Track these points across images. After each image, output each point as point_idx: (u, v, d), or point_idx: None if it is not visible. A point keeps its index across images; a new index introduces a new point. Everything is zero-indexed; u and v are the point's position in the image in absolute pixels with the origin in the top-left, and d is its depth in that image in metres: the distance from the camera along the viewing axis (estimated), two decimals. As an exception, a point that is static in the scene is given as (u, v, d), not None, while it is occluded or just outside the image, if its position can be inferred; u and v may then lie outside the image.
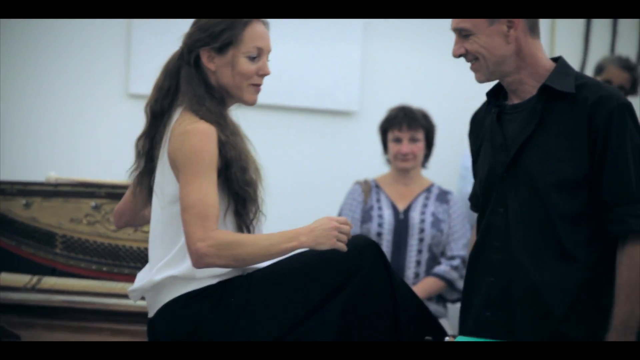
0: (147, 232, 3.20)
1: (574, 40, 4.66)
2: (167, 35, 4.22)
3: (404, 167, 3.81)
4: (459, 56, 2.23)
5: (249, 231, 2.20)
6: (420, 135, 3.81)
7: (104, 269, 3.19)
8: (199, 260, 2.09)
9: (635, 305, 2.06)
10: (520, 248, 2.16)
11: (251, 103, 2.30)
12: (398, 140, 3.82)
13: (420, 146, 3.82)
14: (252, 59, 2.26)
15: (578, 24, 4.66)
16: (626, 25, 4.68)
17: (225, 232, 2.14)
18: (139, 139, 2.29)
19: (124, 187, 3.21)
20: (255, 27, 2.27)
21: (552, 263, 2.12)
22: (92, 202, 3.23)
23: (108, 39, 4.33)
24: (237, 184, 2.18)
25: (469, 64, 2.24)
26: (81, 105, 4.32)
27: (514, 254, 2.17)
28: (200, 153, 2.12)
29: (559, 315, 2.11)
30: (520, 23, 2.16)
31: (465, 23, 2.19)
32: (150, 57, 4.34)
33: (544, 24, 4.54)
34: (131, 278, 3.18)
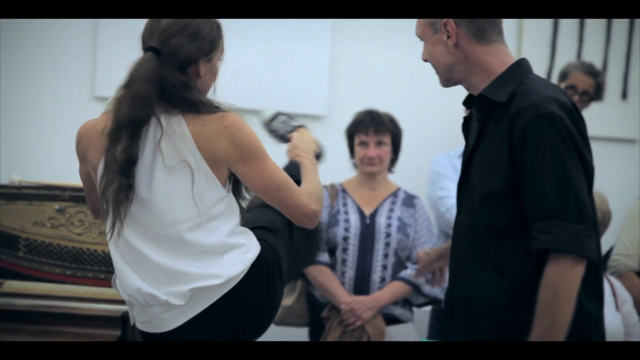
0: (112, 236, 3.23)
1: (540, 47, 4.70)
2: (134, 38, 4.25)
3: (370, 171, 3.81)
4: (425, 61, 2.25)
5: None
6: (387, 139, 3.81)
7: (68, 272, 3.16)
8: (317, 218, 2.31)
9: (548, 328, 1.99)
10: (462, 258, 2.17)
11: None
12: (364, 144, 3.82)
13: (386, 150, 3.82)
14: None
15: (545, 30, 4.70)
16: (592, 31, 4.74)
17: (305, 189, 2.31)
18: (116, 153, 2.15)
19: (89, 190, 3.20)
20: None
21: (485, 276, 2.09)
22: (56, 205, 3.20)
23: (74, 42, 4.31)
24: None
25: None
26: (46, 108, 4.29)
27: (458, 264, 2.18)
28: (256, 137, 2.21)
29: (488, 329, 2.08)
30: (459, 31, 2.15)
31: (417, 30, 2.22)
32: (117, 60, 4.34)
33: (510, 31, 4.63)
34: (95, 282, 3.17)
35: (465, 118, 2.26)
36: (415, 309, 3.81)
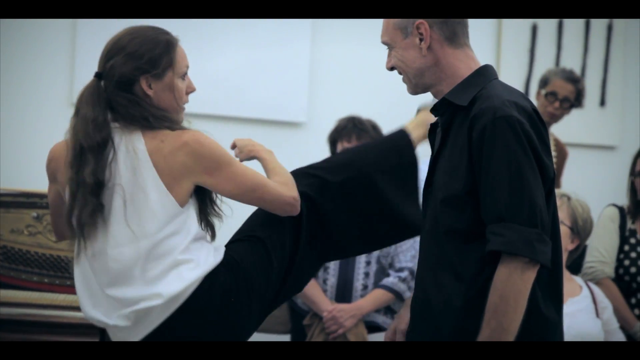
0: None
1: (519, 54, 4.73)
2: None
3: (352, 178, 3.80)
4: (391, 69, 2.22)
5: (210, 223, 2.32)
6: (369, 145, 3.81)
7: (45, 280, 3.13)
8: (298, 203, 2.32)
9: (494, 331, 1.97)
10: (423, 263, 2.15)
11: (180, 123, 2.29)
12: (347, 151, 3.81)
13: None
14: (183, 79, 2.27)
15: (523, 37, 4.72)
16: (571, 38, 4.77)
17: (277, 180, 2.32)
18: (85, 176, 2.15)
19: (67, 197, 3.17)
20: (180, 47, 2.29)
21: (444, 280, 2.07)
22: (34, 213, 3.17)
23: (52, 48, 4.28)
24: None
25: None
26: (24, 115, 4.25)
27: (420, 269, 2.17)
28: (218, 145, 2.22)
29: (444, 334, 2.06)
30: (432, 33, 2.12)
31: (385, 37, 2.19)
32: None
33: (489, 38, 4.66)
34: (73, 289, 3.13)
35: (432, 125, 2.25)
36: (397, 317, 3.80)
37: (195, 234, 2.20)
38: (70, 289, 3.14)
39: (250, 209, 2.41)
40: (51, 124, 4.25)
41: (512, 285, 1.98)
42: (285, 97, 4.45)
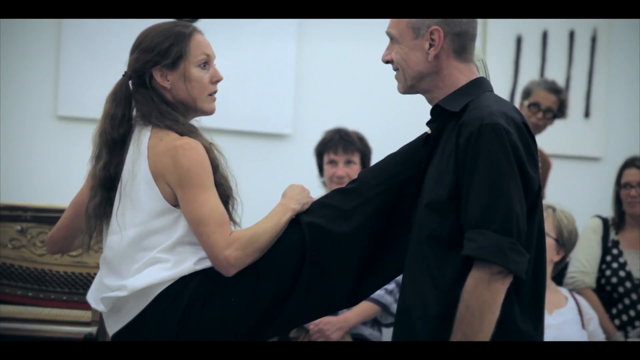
0: (75, 257, 3.18)
1: (504, 66, 4.75)
2: (97, 59, 4.26)
3: (338, 190, 3.80)
4: (386, 62, 2.20)
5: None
6: (356, 158, 3.82)
7: (30, 294, 3.11)
8: (230, 266, 2.15)
9: (472, 338, 1.95)
10: (406, 270, 2.14)
11: (211, 112, 2.32)
12: (333, 163, 3.82)
13: (355, 169, 3.82)
14: (203, 67, 2.29)
15: (508, 49, 4.74)
16: (555, 50, 4.79)
17: (238, 230, 2.19)
18: (97, 170, 2.24)
19: (51, 211, 3.16)
20: (198, 37, 2.29)
21: (422, 287, 2.06)
22: (18, 226, 3.15)
23: (37, 61, 4.27)
24: (223, 189, 2.25)
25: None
26: (8, 127, 4.24)
27: (404, 275, 2.15)
28: (200, 166, 2.16)
29: (422, 340, 2.04)
30: (443, 43, 2.12)
31: (393, 29, 2.16)
32: (80, 80, 4.33)
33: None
34: (57, 303, 3.12)
35: (425, 137, 2.24)
36: (384, 329, 3.79)
37: (182, 236, 2.19)
38: (54, 303, 3.12)
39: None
40: (35, 137, 4.24)
41: (478, 296, 1.96)
42: (270, 109, 4.45)
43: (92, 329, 3.00)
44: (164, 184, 2.18)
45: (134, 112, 2.26)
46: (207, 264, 2.20)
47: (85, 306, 3.11)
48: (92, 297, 2.28)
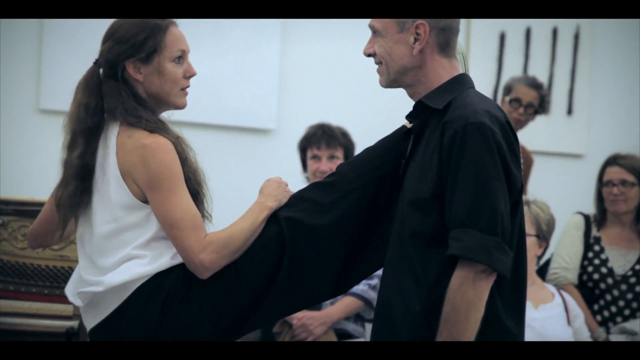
0: (57, 250, 3.17)
1: (487, 63, 4.76)
2: (79, 52, 4.23)
3: (321, 185, 3.81)
4: (368, 55, 2.18)
5: None
6: (340, 153, 3.82)
7: (11, 287, 3.10)
8: (205, 270, 2.13)
9: (459, 337, 1.95)
10: (387, 266, 2.14)
11: (182, 107, 2.29)
12: (317, 158, 3.82)
13: (339, 163, 3.82)
14: (177, 62, 2.25)
15: (491, 47, 4.76)
16: (538, 48, 4.81)
17: (213, 233, 2.15)
18: (72, 159, 2.19)
19: (33, 204, 3.14)
20: (174, 30, 2.26)
21: (405, 284, 2.06)
22: (-1, 220, 3.13)
23: (19, 55, 4.24)
24: (191, 183, 2.21)
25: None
26: (-10, 120, 4.21)
27: (384, 271, 2.15)
28: (170, 167, 2.14)
29: (403, 338, 2.05)
30: (428, 38, 2.12)
31: (377, 22, 2.15)
32: (62, 73, 4.30)
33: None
34: (38, 297, 3.11)
35: (405, 132, 2.24)
36: (367, 324, 3.80)
37: (157, 232, 2.17)
38: (36, 297, 3.11)
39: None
40: (18, 131, 4.22)
41: (464, 295, 1.96)
42: (254, 104, 4.44)
43: (74, 323, 2.99)
44: (132, 183, 2.15)
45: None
46: (180, 260, 2.18)
47: (67, 300, 3.08)
48: (70, 290, 2.26)
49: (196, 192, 2.22)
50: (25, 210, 3.13)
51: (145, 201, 2.17)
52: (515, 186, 2.04)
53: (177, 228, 2.12)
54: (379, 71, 2.19)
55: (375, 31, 2.16)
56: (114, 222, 2.17)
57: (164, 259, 2.17)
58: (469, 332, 1.96)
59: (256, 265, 2.19)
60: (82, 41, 4.23)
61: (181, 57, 2.26)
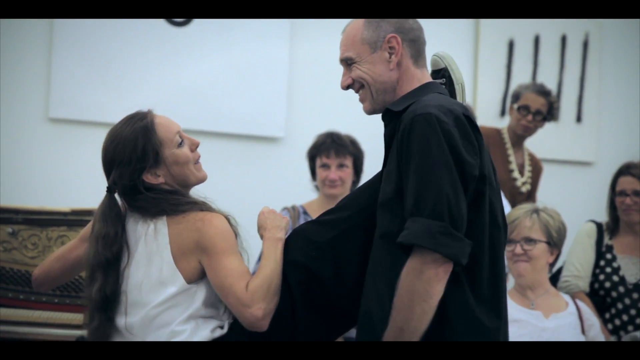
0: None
1: (496, 71, 4.75)
2: (89, 61, 4.24)
3: (331, 194, 3.80)
4: (347, 87, 2.21)
5: None
6: (349, 161, 3.82)
7: (21, 296, 3.10)
8: (262, 321, 2.19)
9: (392, 331, 1.96)
10: (367, 273, 2.13)
11: (205, 178, 2.33)
12: (326, 167, 3.81)
13: (348, 172, 3.82)
14: (181, 145, 2.29)
15: (500, 55, 4.75)
16: (547, 56, 4.80)
17: (253, 282, 2.20)
18: (93, 292, 2.23)
19: (42, 213, 3.14)
20: (160, 121, 2.28)
21: (379, 287, 2.06)
22: (9, 229, 3.13)
23: (29, 63, 4.25)
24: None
25: None
26: (0, 129, 4.21)
27: (366, 278, 2.14)
28: (224, 233, 2.22)
29: (379, 338, 2.02)
30: (402, 50, 2.14)
31: (348, 52, 2.17)
32: (71, 82, 4.31)
33: (466, 54, 4.68)
34: (48, 306, 3.11)
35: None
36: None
37: (195, 312, 2.23)
38: (46, 305, 3.11)
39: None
40: (27, 140, 4.22)
41: (408, 284, 1.95)
42: (263, 112, 4.44)
43: (84, 332, 2.99)
44: (192, 260, 2.21)
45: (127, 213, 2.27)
46: (221, 332, 2.25)
47: (77, 309, 3.10)
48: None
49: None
50: (35, 219, 3.13)
51: (193, 282, 2.23)
52: (470, 173, 2.00)
53: (226, 291, 2.19)
54: (361, 98, 2.21)
55: (349, 61, 2.18)
56: (160, 306, 2.21)
57: (204, 332, 2.23)
58: (414, 321, 1.95)
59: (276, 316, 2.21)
60: (91, 51, 4.25)
61: (181, 138, 2.29)
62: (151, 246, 2.23)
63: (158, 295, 2.21)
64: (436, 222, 1.94)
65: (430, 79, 2.19)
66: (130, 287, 2.23)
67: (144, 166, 2.23)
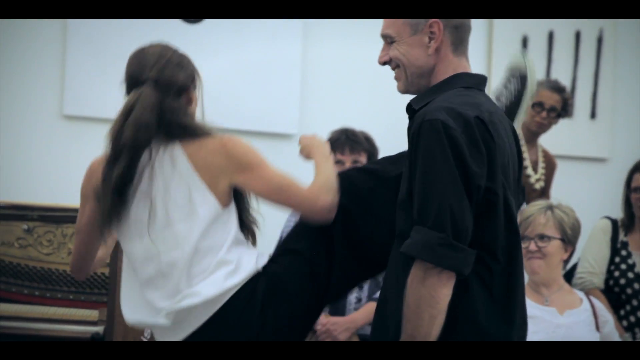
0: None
1: (510, 67, 4.74)
2: (102, 58, 4.26)
3: (344, 190, 3.80)
4: (383, 63, 2.19)
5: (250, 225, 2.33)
6: (363, 158, 3.81)
7: (36, 293, 3.11)
8: (329, 211, 2.23)
9: (405, 338, 1.96)
10: (388, 267, 2.14)
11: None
12: (340, 163, 3.81)
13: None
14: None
15: (514, 50, 4.73)
16: (561, 52, 4.79)
17: (314, 181, 2.27)
18: (115, 173, 2.20)
19: (57, 210, 3.16)
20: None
21: (393, 282, 2.06)
22: (24, 225, 3.15)
23: (43, 60, 4.27)
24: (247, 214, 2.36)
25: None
26: (14, 127, 4.24)
27: (386, 270, 2.16)
28: (250, 148, 2.29)
29: (391, 335, 2.02)
30: (443, 36, 2.11)
31: (389, 29, 2.15)
32: (86, 79, 4.33)
33: (480, 51, 4.67)
34: (63, 302, 3.12)
35: None
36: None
37: (235, 236, 2.24)
38: (61, 302, 3.12)
39: (281, 219, 2.34)
40: (42, 137, 4.24)
41: (414, 292, 1.95)
42: (276, 109, 4.45)
43: (99, 328, 3.00)
44: (223, 184, 2.22)
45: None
46: (263, 260, 2.25)
47: (92, 305, 3.11)
48: (146, 315, 2.23)
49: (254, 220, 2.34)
50: (50, 215, 3.14)
51: (226, 205, 2.24)
52: (476, 183, 1.97)
53: (286, 189, 2.24)
54: (396, 77, 2.19)
55: (387, 37, 2.17)
56: (201, 234, 2.19)
57: (250, 265, 2.22)
58: (424, 328, 1.95)
59: (315, 253, 2.25)
60: (105, 47, 4.26)
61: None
62: (167, 172, 2.22)
63: (195, 227, 2.19)
64: (437, 233, 1.94)
65: (466, 69, 2.16)
66: (154, 208, 2.21)
67: (194, 78, 2.32)
